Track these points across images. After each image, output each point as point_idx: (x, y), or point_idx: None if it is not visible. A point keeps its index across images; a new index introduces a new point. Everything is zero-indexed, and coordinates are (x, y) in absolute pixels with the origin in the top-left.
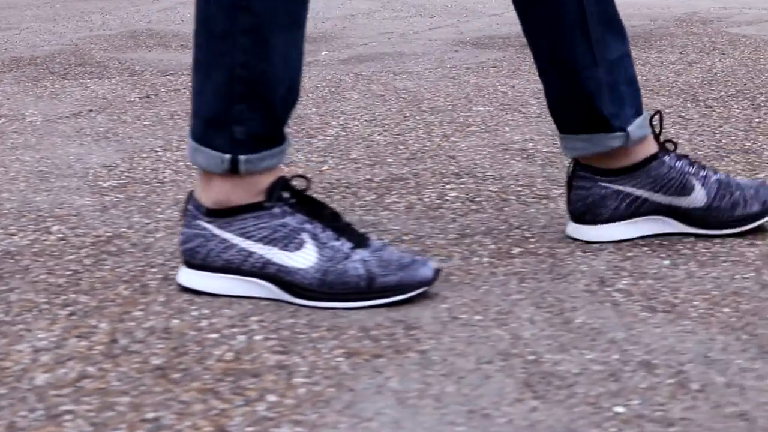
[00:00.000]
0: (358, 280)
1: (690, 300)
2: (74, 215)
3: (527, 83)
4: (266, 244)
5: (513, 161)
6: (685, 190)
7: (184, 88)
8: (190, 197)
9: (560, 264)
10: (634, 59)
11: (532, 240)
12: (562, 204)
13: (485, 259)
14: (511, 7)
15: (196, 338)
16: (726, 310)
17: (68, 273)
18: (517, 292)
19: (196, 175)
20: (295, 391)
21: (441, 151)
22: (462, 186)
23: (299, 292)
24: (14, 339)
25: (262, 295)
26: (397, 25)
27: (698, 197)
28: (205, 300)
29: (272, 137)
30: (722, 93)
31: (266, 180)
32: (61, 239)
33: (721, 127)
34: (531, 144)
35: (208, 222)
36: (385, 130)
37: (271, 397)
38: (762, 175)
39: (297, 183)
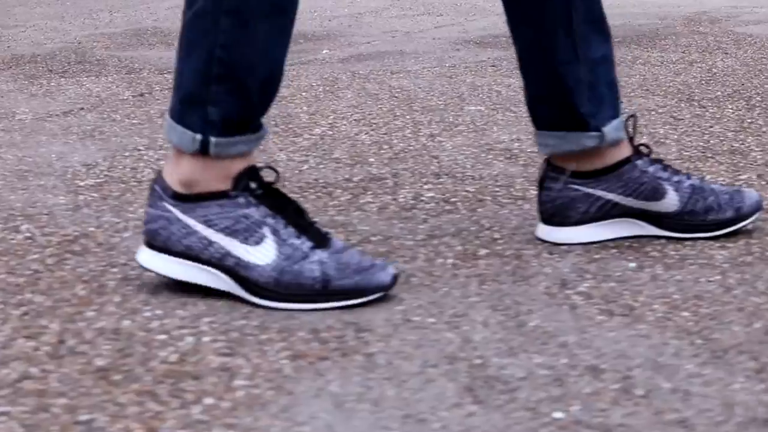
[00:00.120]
0: (313, 282)
1: (650, 304)
2: (45, 214)
3: None
4: (227, 235)
5: (495, 161)
6: (657, 194)
7: None
8: (158, 177)
9: (524, 266)
10: (635, 59)
11: (501, 241)
12: None
13: (450, 261)
14: None
15: (144, 339)
16: (685, 314)
17: (28, 273)
18: (476, 294)
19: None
20: (233, 394)
21: (425, 151)
22: (440, 186)
23: (254, 290)
24: None
25: (220, 287)
26: (404, 24)
27: (670, 202)
28: (160, 301)
29: (246, 123)
30: (718, 93)
31: (236, 166)
32: (28, 238)
33: (711, 127)
34: (517, 144)
35: (173, 205)
36: (373, 130)
37: (209, 400)
38: (744, 177)
39: (266, 175)
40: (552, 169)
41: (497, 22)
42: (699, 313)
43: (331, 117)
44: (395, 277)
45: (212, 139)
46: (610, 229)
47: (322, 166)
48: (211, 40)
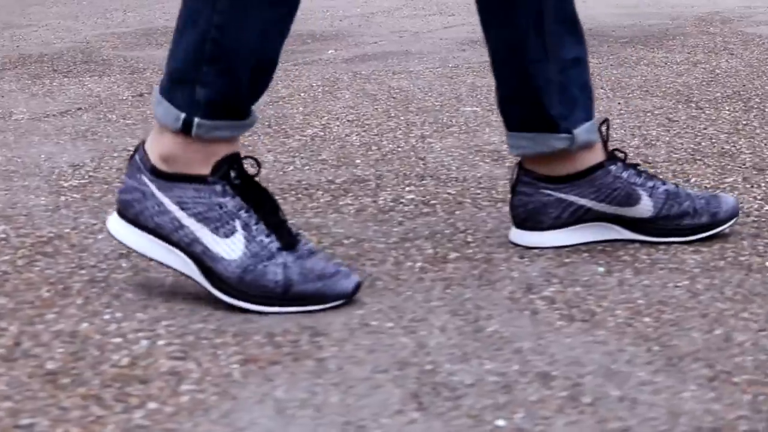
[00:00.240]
0: (274, 285)
1: (612, 309)
2: (24, 215)
3: None
4: (199, 221)
5: (482, 163)
6: (631, 200)
7: None
8: (140, 148)
9: (492, 270)
10: (640, 59)
11: (473, 245)
12: None
13: (418, 264)
14: None
15: (99, 343)
16: (646, 319)
17: None
18: (438, 298)
19: None
20: (178, 399)
21: (413, 153)
22: (421, 188)
23: (217, 283)
24: None
25: (185, 272)
26: (414, 24)
27: (645, 208)
28: (122, 303)
29: (233, 108)
30: (718, 94)
31: (219, 151)
32: (2, 239)
33: (705, 129)
34: (506, 146)
35: (151, 180)
36: (364, 131)
37: (152, 405)
38: (730, 180)
39: (247, 166)
40: (524, 174)
41: None
42: (661, 318)
43: (326, 118)
44: (358, 285)
45: (196, 120)
46: (584, 233)
47: (307, 167)
48: (206, 20)
